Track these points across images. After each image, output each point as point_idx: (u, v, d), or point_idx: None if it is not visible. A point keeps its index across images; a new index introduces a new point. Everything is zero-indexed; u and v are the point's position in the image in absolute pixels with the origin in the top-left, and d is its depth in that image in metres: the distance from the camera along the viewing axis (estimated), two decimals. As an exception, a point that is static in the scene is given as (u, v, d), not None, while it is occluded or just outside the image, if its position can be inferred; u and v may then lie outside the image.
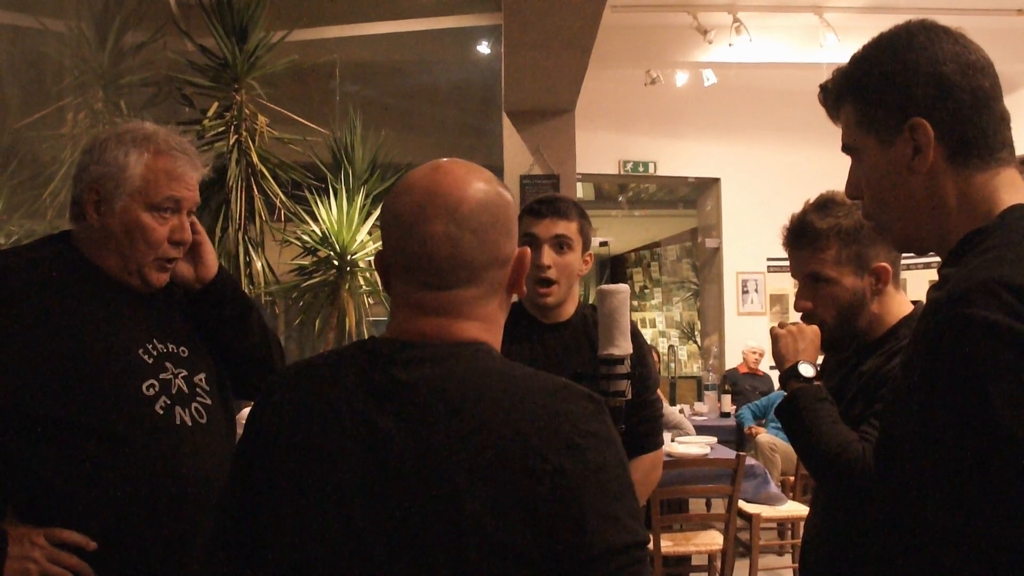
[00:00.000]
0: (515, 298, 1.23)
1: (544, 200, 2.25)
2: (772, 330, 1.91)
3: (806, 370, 1.81)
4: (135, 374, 1.63)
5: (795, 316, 1.93)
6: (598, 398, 1.07)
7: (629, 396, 1.86)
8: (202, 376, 1.74)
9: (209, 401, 1.73)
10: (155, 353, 1.68)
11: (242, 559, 1.11)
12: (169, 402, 1.65)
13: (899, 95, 1.15)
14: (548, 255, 2.18)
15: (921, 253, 1.22)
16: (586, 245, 2.27)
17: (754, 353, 7.76)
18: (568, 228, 2.20)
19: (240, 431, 1.23)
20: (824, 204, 1.85)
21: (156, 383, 1.65)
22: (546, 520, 0.96)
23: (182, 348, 1.74)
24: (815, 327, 1.85)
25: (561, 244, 2.20)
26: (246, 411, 3.34)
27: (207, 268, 1.80)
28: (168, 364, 1.69)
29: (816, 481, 1.80)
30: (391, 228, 1.12)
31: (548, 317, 2.26)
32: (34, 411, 1.54)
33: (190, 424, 1.67)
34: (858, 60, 1.21)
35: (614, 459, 1.03)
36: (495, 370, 1.08)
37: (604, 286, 1.94)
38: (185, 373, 1.71)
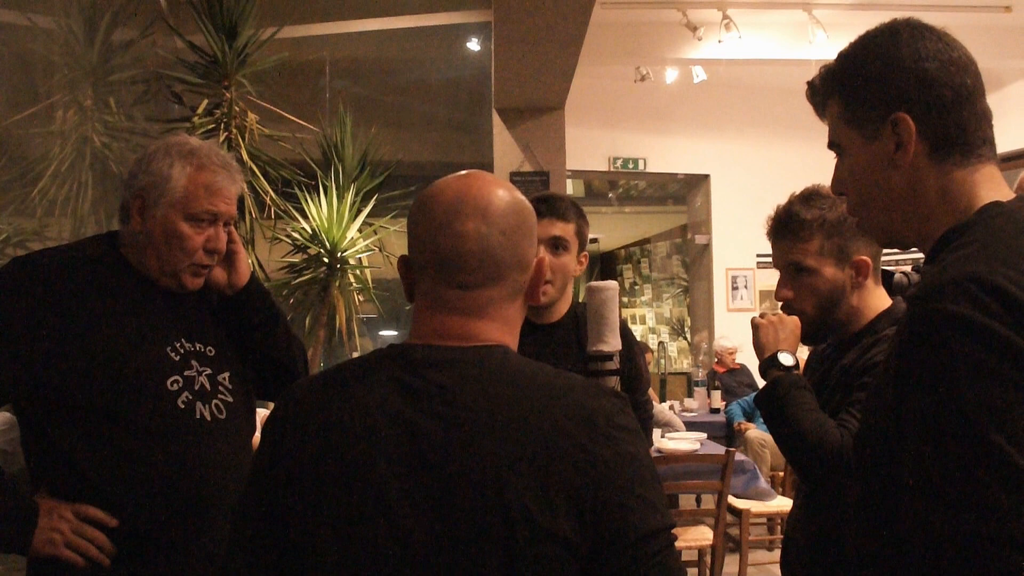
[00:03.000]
0: None
1: (542, 199, 2.23)
2: (753, 320, 1.94)
3: (786, 359, 1.84)
4: (161, 370, 1.78)
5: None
6: (623, 395, 1.14)
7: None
8: (226, 375, 1.88)
9: (231, 399, 1.86)
10: (182, 351, 1.82)
11: (267, 568, 1.13)
12: (191, 397, 1.79)
13: (882, 91, 1.17)
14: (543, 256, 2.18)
15: (904, 248, 1.24)
16: (582, 246, 2.26)
17: (731, 354, 7.78)
18: (565, 230, 2.20)
19: (259, 430, 1.27)
20: (809, 196, 1.89)
21: (180, 379, 1.79)
22: (590, 507, 1.03)
23: (209, 348, 1.87)
24: (795, 318, 1.89)
25: (557, 245, 2.19)
26: (263, 411, 3.35)
27: (240, 275, 1.93)
28: (194, 362, 1.83)
29: (793, 468, 1.82)
30: (423, 227, 1.17)
31: (540, 317, 2.26)
32: (67, 397, 1.70)
33: (209, 419, 1.80)
34: (843, 57, 1.24)
35: (644, 450, 1.10)
36: (526, 369, 1.14)
37: (593, 283, 1.95)
38: (209, 371, 1.84)
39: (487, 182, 1.19)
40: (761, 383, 1.88)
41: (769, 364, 1.85)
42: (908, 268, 1.89)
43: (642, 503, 1.04)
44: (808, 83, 1.30)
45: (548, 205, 2.21)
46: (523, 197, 1.22)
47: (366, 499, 1.07)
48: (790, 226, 1.87)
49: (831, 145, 1.27)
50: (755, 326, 1.92)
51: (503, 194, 1.18)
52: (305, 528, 1.09)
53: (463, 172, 1.21)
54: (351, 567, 1.06)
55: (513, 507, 1.02)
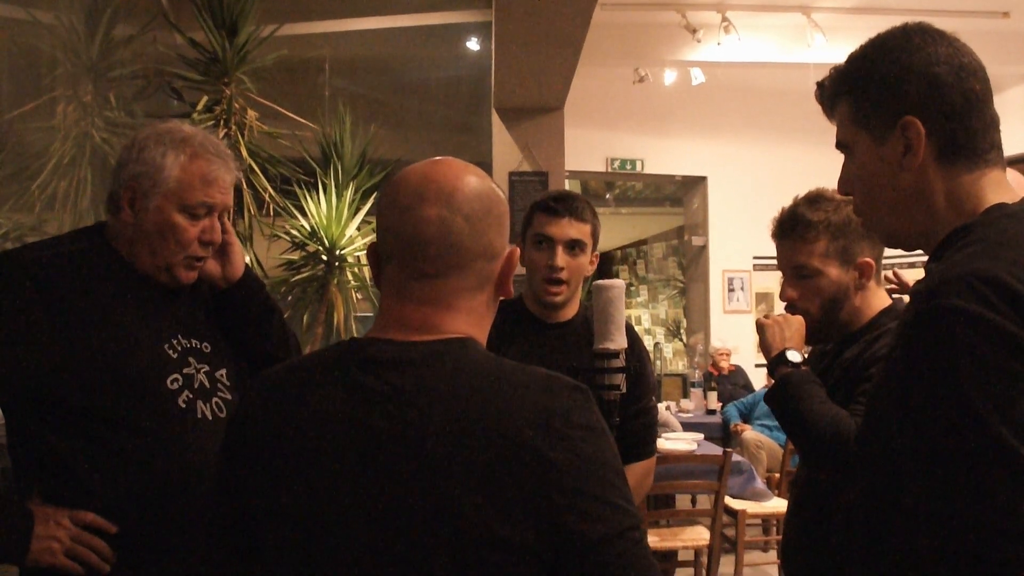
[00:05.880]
0: (516, 293, 1.25)
1: (560, 198, 2.21)
2: (758, 320, 1.96)
3: (793, 356, 1.86)
4: (160, 368, 1.69)
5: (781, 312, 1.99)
6: (584, 388, 1.10)
7: (624, 389, 1.88)
8: (223, 372, 1.80)
9: (229, 396, 1.78)
10: (180, 348, 1.74)
11: (236, 562, 1.13)
12: (191, 396, 1.71)
13: (893, 94, 1.18)
14: (562, 257, 2.17)
15: (908, 249, 1.26)
16: (595, 245, 2.26)
17: (721, 355, 7.78)
18: (582, 231, 2.19)
19: None
20: (815, 199, 1.91)
21: (180, 377, 1.71)
22: (546, 512, 1.00)
23: (205, 344, 1.79)
24: (800, 317, 1.91)
25: (574, 246, 2.18)
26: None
27: (235, 268, 1.85)
28: (191, 359, 1.75)
29: (809, 462, 1.84)
30: (387, 212, 1.14)
31: (551, 316, 2.26)
32: (62, 399, 1.61)
33: (210, 418, 1.72)
34: (855, 59, 1.24)
35: (606, 448, 1.06)
36: (483, 368, 1.10)
37: (600, 281, 1.96)
38: (207, 368, 1.76)
39: (453, 168, 1.15)
40: (757, 384, 1.91)
41: (777, 362, 1.87)
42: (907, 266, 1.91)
43: (601, 505, 1.02)
44: (818, 83, 1.31)
45: (566, 204, 2.18)
46: (493, 185, 1.18)
47: (315, 501, 1.05)
48: (796, 228, 1.89)
49: (839, 145, 1.28)
50: (760, 326, 1.95)
51: (471, 180, 1.14)
52: (262, 527, 1.09)
53: (433, 158, 1.18)
54: (302, 568, 1.06)
55: (462, 513, 0.99)
